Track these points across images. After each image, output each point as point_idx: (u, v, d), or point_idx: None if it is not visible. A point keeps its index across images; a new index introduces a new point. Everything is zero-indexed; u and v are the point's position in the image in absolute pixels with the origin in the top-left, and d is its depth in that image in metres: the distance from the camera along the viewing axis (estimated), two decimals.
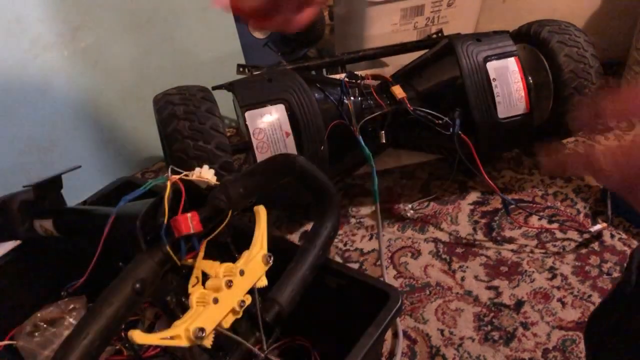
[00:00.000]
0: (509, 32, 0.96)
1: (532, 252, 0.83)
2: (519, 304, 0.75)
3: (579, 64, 0.90)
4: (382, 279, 0.78)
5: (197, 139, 0.76)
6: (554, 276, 0.79)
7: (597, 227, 0.84)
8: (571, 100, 0.91)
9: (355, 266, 0.84)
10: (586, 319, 0.73)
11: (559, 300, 0.76)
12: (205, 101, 0.80)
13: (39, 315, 0.63)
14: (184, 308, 0.45)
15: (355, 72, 0.93)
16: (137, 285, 0.40)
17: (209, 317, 0.44)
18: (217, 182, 0.47)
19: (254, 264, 0.49)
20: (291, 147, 0.82)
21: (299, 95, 0.83)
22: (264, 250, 0.50)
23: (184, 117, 0.77)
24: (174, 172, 0.45)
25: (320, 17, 1.24)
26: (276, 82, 0.84)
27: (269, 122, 0.81)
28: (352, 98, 0.87)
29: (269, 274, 0.50)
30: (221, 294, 0.45)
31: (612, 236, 0.85)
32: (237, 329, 0.49)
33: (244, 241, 0.50)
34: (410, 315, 0.75)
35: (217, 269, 0.46)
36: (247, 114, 0.81)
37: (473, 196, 0.95)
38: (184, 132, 0.76)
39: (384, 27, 1.11)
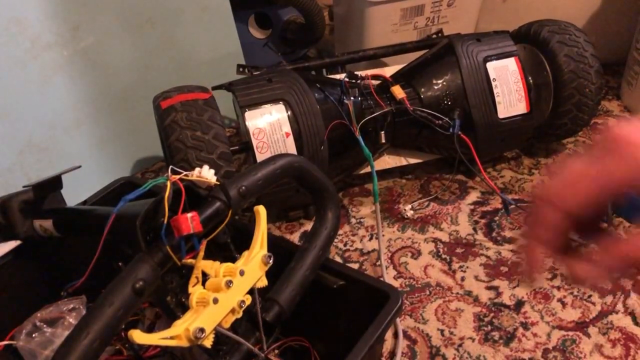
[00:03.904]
0: (509, 32, 0.96)
1: None
2: (519, 304, 0.75)
3: (579, 64, 0.90)
4: (382, 279, 0.78)
5: (200, 149, 0.76)
6: (554, 276, 0.79)
7: None
8: (571, 100, 0.92)
9: (355, 266, 0.84)
10: (586, 319, 0.73)
11: (559, 300, 0.76)
12: (207, 108, 0.80)
13: (39, 315, 0.63)
14: (184, 308, 0.45)
15: (355, 72, 0.93)
16: (137, 285, 0.40)
17: (209, 317, 0.44)
18: (217, 182, 0.47)
19: (254, 264, 0.49)
20: (291, 147, 0.82)
21: (299, 95, 0.83)
22: (264, 250, 0.50)
23: (187, 126, 0.77)
24: (174, 172, 0.45)
25: (320, 17, 1.25)
26: (276, 82, 0.84)
27: (269, 122, 0.81)
28: (352, 98, 0.87)
29: (269, 274, 0.50)
30: (221, 294, 0.45)
31: None
32: (237, 329, 0.49)
33: (244, 241, 0.50)
34: (410, 315, 0.75)
35: (217, 269, 0.46)
36: (247, 114, 0.81)
37: (473, 196, 0.95)
38: (187, 141, 0.76)
39: (384, 27, 1.11)
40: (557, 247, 0.34)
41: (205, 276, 0.46)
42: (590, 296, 0.76)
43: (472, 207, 0.93)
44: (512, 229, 0.88)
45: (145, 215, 0.43)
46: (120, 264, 0.47)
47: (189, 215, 0.42)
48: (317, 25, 1.25)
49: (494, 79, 0.90)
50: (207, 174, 0.47)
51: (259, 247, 0.50)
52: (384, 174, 0.99)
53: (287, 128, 0.81)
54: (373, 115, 0.88)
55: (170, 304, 0.46)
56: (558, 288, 0.77)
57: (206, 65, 1.11)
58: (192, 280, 0.45)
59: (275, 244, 0.52)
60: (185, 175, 0.45)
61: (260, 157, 0.81)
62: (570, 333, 0.71)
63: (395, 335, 0.72)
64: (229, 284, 0.45)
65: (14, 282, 0.65)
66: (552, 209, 0.31)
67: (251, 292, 0.48)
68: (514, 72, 0.91)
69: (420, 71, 0.95)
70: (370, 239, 0.88)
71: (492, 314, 0.74)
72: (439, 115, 0.89)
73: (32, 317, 0.63)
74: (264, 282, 0.50)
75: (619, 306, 0.74)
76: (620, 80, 1.18)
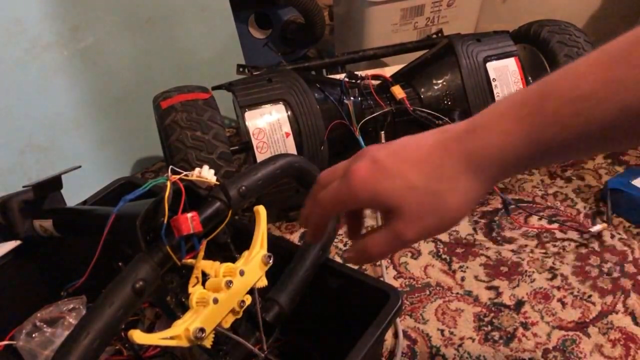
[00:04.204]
0: (509, 32, 0.96)
1: (532, 252, 0.83)
2: (519, 304, 0.75)
3: None
4: (382, 279, 0.78)
5: (200, 149, 0.76)
6: (554, 276, 0.79)
7: (597, 227, 0.84)
8: None
9: (355, 266, 0.84)
10: (586, 319, 0.73)
11: (559, 300, 0.76)
12: (207, 108, 0.80)
13: (39, 315, 0.63)
14: (184, 308, 0.45)
15: (355, 72, 0.94)
16: (137, 285, 0.40)
17: (209, 317, 0.44)
18: (217, 182, 0.47)
19: (254, 264, 0.49)
20: (291, 147, 0.82)
21: (299, 95, 0.83)
22: (264, 250, 0.50)
23: (187, 126, 0.77)
24: (174, 172, 0.45)
25: (320, 17, 1.25)
26: (276, 82, 0.84)
27: (269, 122, 0.81)
28: (352, 98, 0.87)
29: (269, 274, 0.50)
30: (221, 294, 0.45)
31: (612, 236, 0.85)
32: (237, 329, 0.49)
33: (244, 241, 0.50)
34: (410, 315, 0.75)
35: (217, 269, 0.46)
36: (247, 114, 0.81)
37: None
38: (187, 141, 0.76)
39: (384, 27, 1.11)
40: (348, 231, 0.46)
41: (205, 276, 0.46)
42: (590, 296, 0.76)
43: None
44: (512, 229, 0.88)
45: (145, 215, 0.43)
46: (120, 264, 0.47)
47: (189, 215, 0.42)
48: (317, 25, 1.25)
49: (494, 79, 0.90)
50: (207, 174, 0.47)
51: (259, 247, 0.50)
52: None
53: (287, 128, 0.81)
54: (373, 115, 0.88)
55: (170, 304, 0.46)
56: (558, 288, 0.77)
57: (206, 65, 1.11)
58: (192, 280, 0.45)
59: (275, 244, 0.52)
60: (185, 175, 0.45)
61: (260, 157, 0.81)
62: (570, 333, 0.71)
63: (395, 335, 0.72)
64: (229, 284, 0.45)
65: (14, 282, 0.65)
66: (313, 204, 0.41)
67: (251, 292, 0.49)
68: (514, 72, 0.91)
69: (420, 71, 0.95)
70: None
71: (492, 314, 0.74)
72: (439, 115, 0.89)
73: (32, 317, 0.63)
74: (264, 282, 0.50)
75: (619, 306, 0.74)
76: None
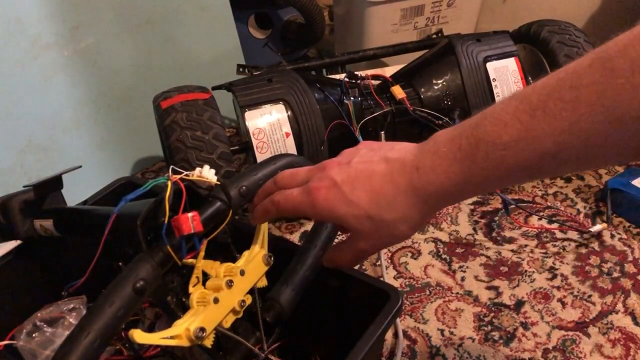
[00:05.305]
0: (509, 32, 0.96)
1: (532, 252, 0.83)
2: (519, 304, 0.76)
3: None
4: (382, 279, 0.78)
5: (200, 149, 0.76)
6: (554, 276, 0.79)
7: (597, 227, 0.85)
8: None
9: (356, 266, 0.84)
10: (586, 319, 0.73)
11: (559, 300, 0.76)
12: (207, 108, 0.80)
13: (39, 315, 0.63)
14: (185, 308, 0.45)
15: (355, 72, 0.94)
16: (138, 285, 0.40)
17: (209, 317, 0.44)
18: (218, 182, 0.47)
19: (254, 264, 0.49)
20: (291, 147, 0.82)
21: (299, 95, 0.83)
22: (264, 250, 0.50)
23: (187, 126, 0.77)
24: (175, 172, 0.45)
25: (320, 17, 1.25)
26: (276, 82, 0.84)
27: (269, 122, 0.81)
28: (352, 98, 0.87)
29: (269, 274, 0.51)
30: (221, 294, 0.45)
31: (612, 236, 0.85)
32: (237, 329, 0.49)
33: (244, 241, 0.50)
34: (410, 315, 0.75)
35: (218, 269, 0.46)
36: (247, 114, 0.81)
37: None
38: (187, 141, 0.76)
39: (384, 27, 1.11)
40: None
41: (205, 276, 0.46)
42: (590, 296, 0.76)
43: (472, 207, 0.93)
44: (512, 229, 0.88)
45: (145, 215, 0.43)
46: (120, 264, 0.47)
47: (190, 215, 0.42)
48: (317, 25, 1.25)
49: (494, 79, 0.90)
50: (207, 174, 0.47)
51: (259, 247, 0.50)
52: None
53: (287, 128, 0.82)
54: (373, 115, 0.88)
55: (170, 303, 0.46)
56: (558, 288, 0.77)
57: (206, 65, 1.11)
58: (193, 280, 0.45)
59: (275, 244, 0.52)
60: (186, 175, 0.45)
61: (260, 157, 0.81)
62: (570, 333, 0.71)
63: (395, 335, 0.72)
64: (229, 283, 0.45)
65: (14, 282, 0.65)
66: (270, 202, 0.47)
67: (251, 292, 0.49)
68: (514, 72, 0.91)
69: (420, 71, 0.95)
70: None
71: (492, 314, 0.74)
72: (439, 115, 0.89)
73: (32, 317, 0.63)
74: (264, 282, 0.50)
75: (619, 306, 0.74)
76: None
